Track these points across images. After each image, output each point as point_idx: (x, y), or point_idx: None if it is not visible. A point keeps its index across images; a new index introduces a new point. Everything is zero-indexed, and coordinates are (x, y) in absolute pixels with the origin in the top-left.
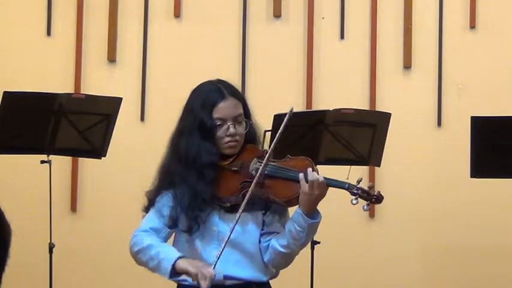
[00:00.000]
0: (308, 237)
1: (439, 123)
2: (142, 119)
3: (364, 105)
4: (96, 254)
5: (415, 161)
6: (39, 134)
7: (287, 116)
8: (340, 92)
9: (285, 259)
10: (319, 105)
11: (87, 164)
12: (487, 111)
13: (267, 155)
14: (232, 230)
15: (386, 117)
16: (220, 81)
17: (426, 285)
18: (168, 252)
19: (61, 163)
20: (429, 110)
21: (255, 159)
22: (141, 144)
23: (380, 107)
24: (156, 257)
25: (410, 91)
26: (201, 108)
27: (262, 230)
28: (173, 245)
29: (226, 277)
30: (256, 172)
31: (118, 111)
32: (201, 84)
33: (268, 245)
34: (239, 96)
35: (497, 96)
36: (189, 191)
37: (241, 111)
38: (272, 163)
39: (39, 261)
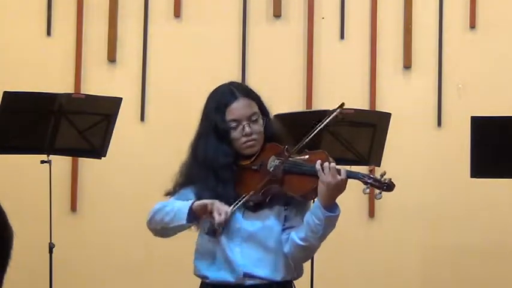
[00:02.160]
0: (326, 231)
1: (439, 123)
2: (142, 119)
3: (364, 105)
4: (96, 254)
5: (415, 161)
6: (39, 134)
7: (333, 114)
8: (340, 92)
9: (304, 252)
10: (319, 105)
11: (87, 164)
12: (487, 111)
13: (284, 150)
14: (241, 200)
15: (386, 117)
16: (232, 83)
17: (426, 285)
18: (183, 202)
19: (61, 163)
20: (429, 110)
21: (273, 156)
22: (141, 144)
23: (380, 107)
24: (171, 211)
25: (410, 91)
26: (215, 111)
27: (283, 225)
28: (197, 240)
29: (246, 275)
30: (274, 169)
31: (118, 111)
32: (215, 88)
33: (288, 237)
34: (253, 96)
35: (497, 96)
36: (210, 194)
37: (255, 109)
38: (289, 159)
39: (39, 261)
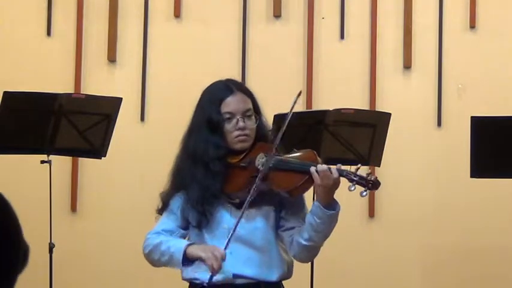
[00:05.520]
0: (329, 228)
1: (439, 123)
2: (142, 119)
3: (364, 105)
4: (96, 254)
5: (415, 161)
6: (39, 134)
7: (293, 102)
8: (340, 92)
9: (310, 252)
10: (319, 105)
11: (87, 164)
12: (487, 111)
13: (273, 147)
14: (237, 224)
15: (386, 117)
16: (229, 79)
17: (426, 285)
18: (177, 244)
19: (61, 163)
20: (429, 110)
21: (261, 153)
22: (141, 144)
23: (380, 107)
24: (167, 252)
25: (410, 91)
26: (210, 104)
27: (281, 226)
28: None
29: (235, 275)
30: (262, 166)
31: (118, 111)
32: (210, 84)
33: (292, 239)
34: (248, 93)
35: (497, 96)
36: (198, 186)
37: (250, 106)
38: (277, 156)
39: (39, 261)
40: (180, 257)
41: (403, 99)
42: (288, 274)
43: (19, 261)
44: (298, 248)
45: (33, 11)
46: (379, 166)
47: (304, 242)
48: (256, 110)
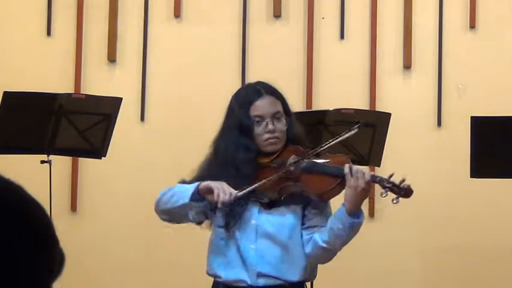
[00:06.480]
0: (349, 236)
1: (439, 123)
2: (142, 119)
3: (364, 105)
4: (96, 254)
5: (415, 161)
6: (39, 134)
7: (352, 131)
8: (340, 92)
9: (325, 254)
10: (319, 105)
11: (87, 164)
12: (487, 111)
13: (307, 151)
14: (243, 190)
15: (386, 117)
16: (258, 82)
17: (426, 285)
18: (189, 185)
19: (61, 163)
20: (429, 110)
21: (293, 156)
22: (141, 144)
23: (380, 107)
24: (178, 191)
25: (410, 91)
26: (239, 108)
27: (303, 224)
28: (210, 236)
29: (260, 274)
30: (293, 166)
31: (118, 111)
32: (241, 87)
33: (311, 238)
34: (277, 95)
35: (497, 96)
36: None
37: (279, 108)
38: (309, 159)
39: None
40: (192, 189)
41: (403, 99)
42: (311, 275)
43: (56, 264)
44: (315, 249)
45: (33, 11)
46: (379, 166)
47: (321, 244)
48: (287, 111)
